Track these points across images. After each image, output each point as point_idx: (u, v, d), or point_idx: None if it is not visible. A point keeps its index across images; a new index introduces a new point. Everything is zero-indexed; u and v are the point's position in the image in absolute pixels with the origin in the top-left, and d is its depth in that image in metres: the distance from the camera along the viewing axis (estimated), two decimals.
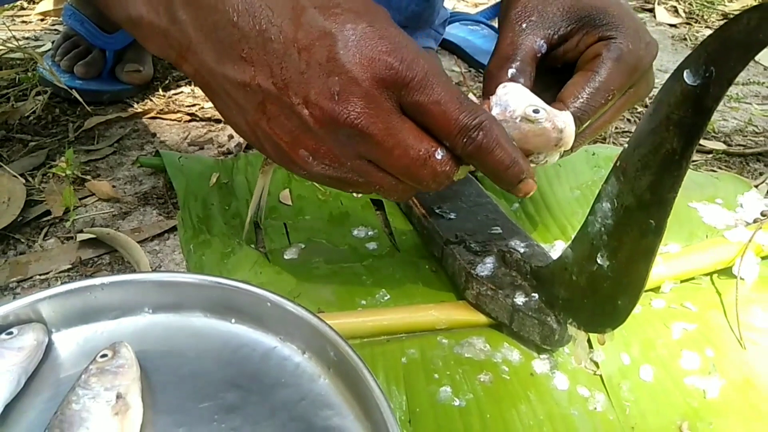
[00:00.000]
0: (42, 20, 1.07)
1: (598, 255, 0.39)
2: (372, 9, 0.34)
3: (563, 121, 0.37)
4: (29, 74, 0.84)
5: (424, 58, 0.34)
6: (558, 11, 0.42)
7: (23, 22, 1.06)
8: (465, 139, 0.34)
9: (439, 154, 0.35)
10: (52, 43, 0.97)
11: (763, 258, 0.56)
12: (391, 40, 0.33)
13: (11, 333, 0.41)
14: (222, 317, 0.44)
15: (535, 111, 0.36)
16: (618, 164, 0.36)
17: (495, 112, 0.37)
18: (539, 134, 0.37)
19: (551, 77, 0.43)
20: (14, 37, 0.94)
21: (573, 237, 0.41)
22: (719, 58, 0.28)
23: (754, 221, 0.61)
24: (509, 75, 0.40)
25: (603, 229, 0.38)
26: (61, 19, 1.07)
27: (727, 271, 0.55)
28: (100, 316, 0.44)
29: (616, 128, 0.83)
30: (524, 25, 0.41)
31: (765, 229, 0.56)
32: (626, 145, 0.35)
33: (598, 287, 0.40)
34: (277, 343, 0.43)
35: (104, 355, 0.40)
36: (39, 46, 0.98)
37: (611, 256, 0.38)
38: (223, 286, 0.44)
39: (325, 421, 0.39)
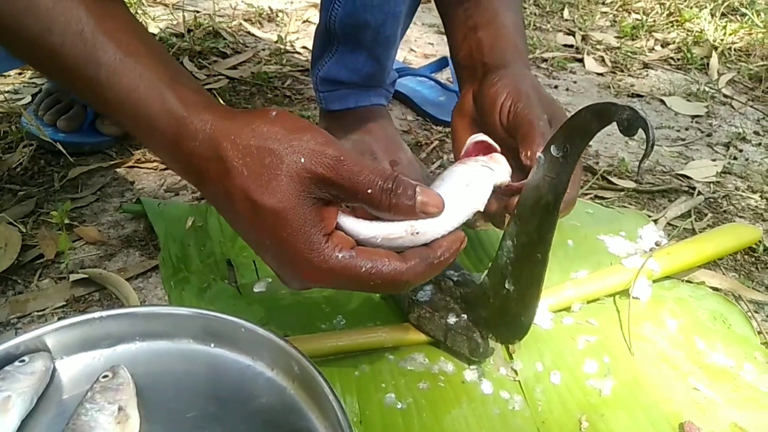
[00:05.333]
0: (20, 74, 1.14)
1: (506, 281, 0.49)
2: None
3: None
4: (13, 128, 0.91)
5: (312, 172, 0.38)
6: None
7: (2, 76, 1.13)
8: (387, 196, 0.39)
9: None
10: (32, 96, 1.05)
11: (654, 281, 0.68)
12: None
13: (23, 361, 0.48)
14: (203, 342, 0.52)
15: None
16: (515, 212, 0.46)
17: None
18: None
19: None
20: None
21: (488, 267, 0.52)
22: (570, 139, 0.39)
23: (650, 250, 0.73)
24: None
25: (508, 261, 0.48)
26: (38, 72, 1.15)
27: (625, 293, 0.66)
28: (98, 345, 0.52)
29: None
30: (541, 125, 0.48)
31: (656, 257, 0.68)
32: (520, 197, 0.46)
33: (507, 307, 0.50)
34: (250, 362, 0.51)
35: (106, 376, 0.47)
36: (19, 99, 1.05)
37: (515, 282, 0.48)
38: (204, 316, 0.52)
39: (291, 425, 0.47)
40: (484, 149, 0.48)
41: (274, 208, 0.38)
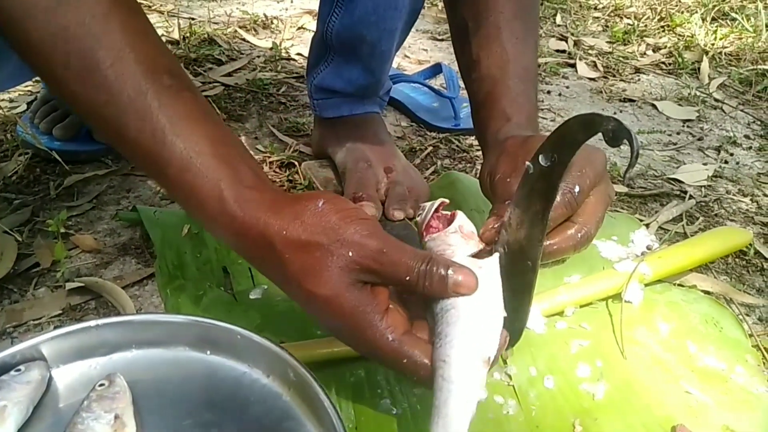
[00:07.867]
0: None
1: None
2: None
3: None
4: (9, 136, 0.92)
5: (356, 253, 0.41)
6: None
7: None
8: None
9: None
10: (27, 104, 1.05)
11: (646, 285, 0.68)
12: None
13: (19, 370, 0.48)
14: (199, 349, 0.53)
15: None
16: (506, 220, 0.47)
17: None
18: None
19: None
20: None
21: None
22: (558, 148, 0.40)
23: (642, 254, 0.74)
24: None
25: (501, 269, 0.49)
26: (33, 81, 1.15)
27: (618, 297, 0.67)
28: (94, 353, 0.52)
29: None
30: (510, 180, 0.50)
31: (647, 261, 0.69)
32: (510, 206, 0.46)
33: None
34: (246, 369, 0.52)
35: (102, 384, 0.48)
36: (14, 107, 1.05)
37: (506, 290, 0.49)
38: (200, 324, 0.53)
39: (288, 431, 0.48)
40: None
41: (327, 296, 0.41)
